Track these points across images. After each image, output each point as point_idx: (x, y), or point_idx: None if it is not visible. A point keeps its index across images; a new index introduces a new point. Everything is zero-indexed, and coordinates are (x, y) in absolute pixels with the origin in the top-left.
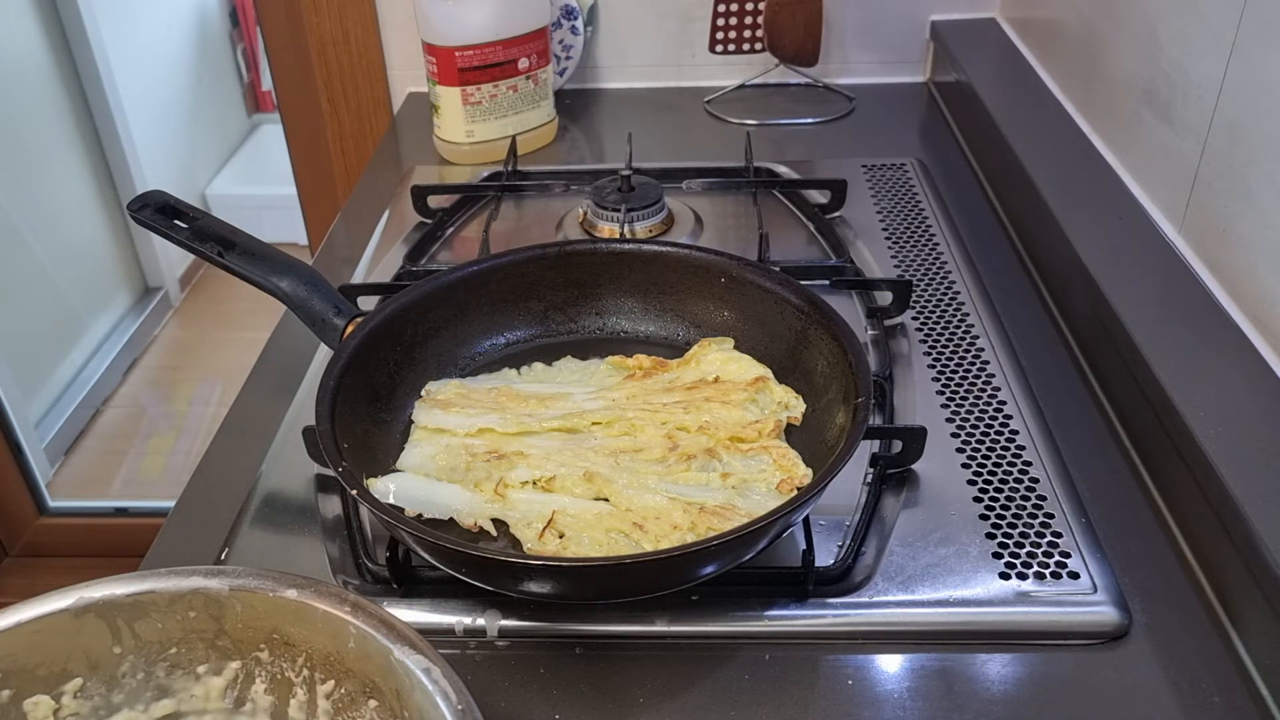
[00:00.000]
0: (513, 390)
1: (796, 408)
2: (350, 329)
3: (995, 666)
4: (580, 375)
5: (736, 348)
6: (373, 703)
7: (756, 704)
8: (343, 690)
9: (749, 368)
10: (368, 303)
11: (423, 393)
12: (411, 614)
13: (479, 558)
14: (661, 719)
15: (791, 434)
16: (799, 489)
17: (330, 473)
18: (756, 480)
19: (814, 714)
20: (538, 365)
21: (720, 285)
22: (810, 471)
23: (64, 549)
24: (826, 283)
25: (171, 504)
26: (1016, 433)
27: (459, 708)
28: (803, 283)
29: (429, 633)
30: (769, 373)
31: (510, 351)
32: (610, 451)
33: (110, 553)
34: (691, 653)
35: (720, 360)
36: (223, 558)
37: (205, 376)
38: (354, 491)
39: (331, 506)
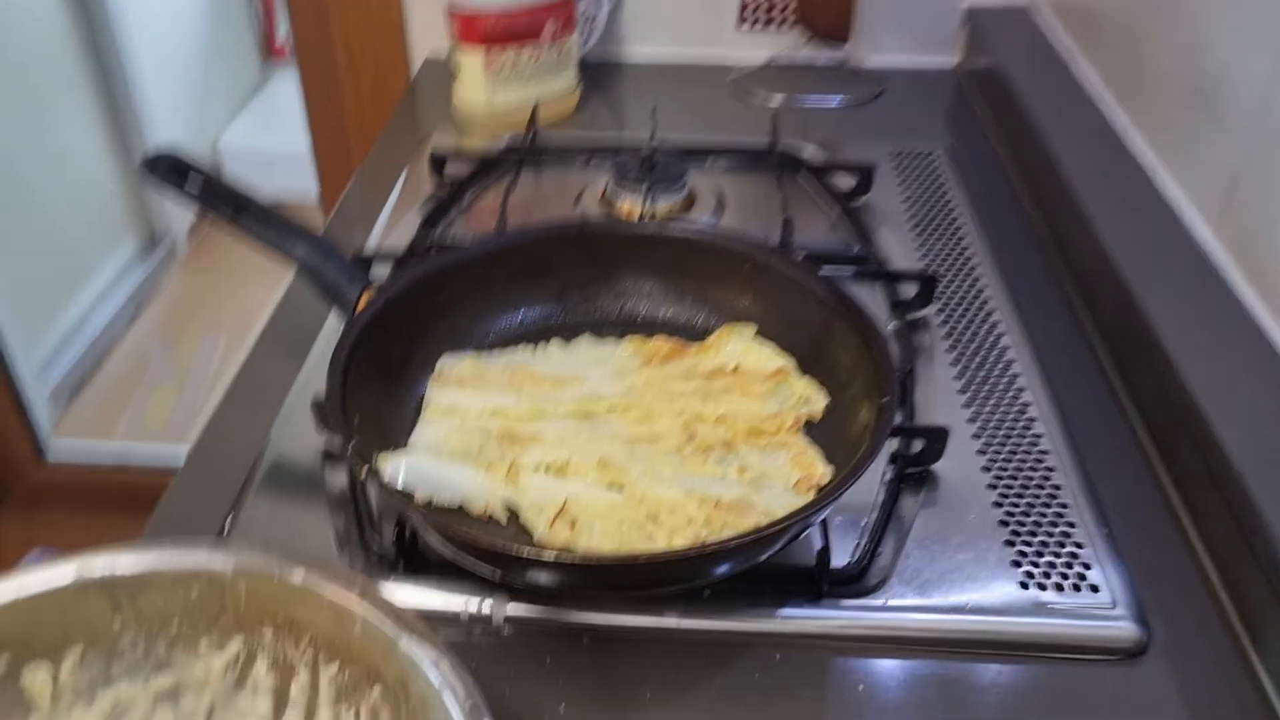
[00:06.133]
0: (528, 370)
1: (817, 402)
2: (364, 300)
3: (1010, 677)
4: (597, 357)
5: (758, 335)
6: (377, 688)
7: (765, 704)
8: (346, 674)
9: (770, 358)
10: (382, 271)
11: (437, 368)
12: (416, 595)
13: (491, 550)
14: (668, 715)
15: (811, 429)
16: (818, 488)
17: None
18: (774, 476)
19: (824, 719)
20: (554, 344)
21: (744, 272)
22: (829, 470)
23: (64, 498)
24: (850, 272)
25: (173, 459)
26: (1040, 436)
27: (467, 704)
28: (825, 269)
29: (433, 617)
30: (791, 364)
31: (527, 328)
32: (626, 439)
33: (111, 505)
34: (701, 649)
35: (741, 348)
36: (227, 526)
37: (210, 330)
38: (363, 475)
39: (339, 478)
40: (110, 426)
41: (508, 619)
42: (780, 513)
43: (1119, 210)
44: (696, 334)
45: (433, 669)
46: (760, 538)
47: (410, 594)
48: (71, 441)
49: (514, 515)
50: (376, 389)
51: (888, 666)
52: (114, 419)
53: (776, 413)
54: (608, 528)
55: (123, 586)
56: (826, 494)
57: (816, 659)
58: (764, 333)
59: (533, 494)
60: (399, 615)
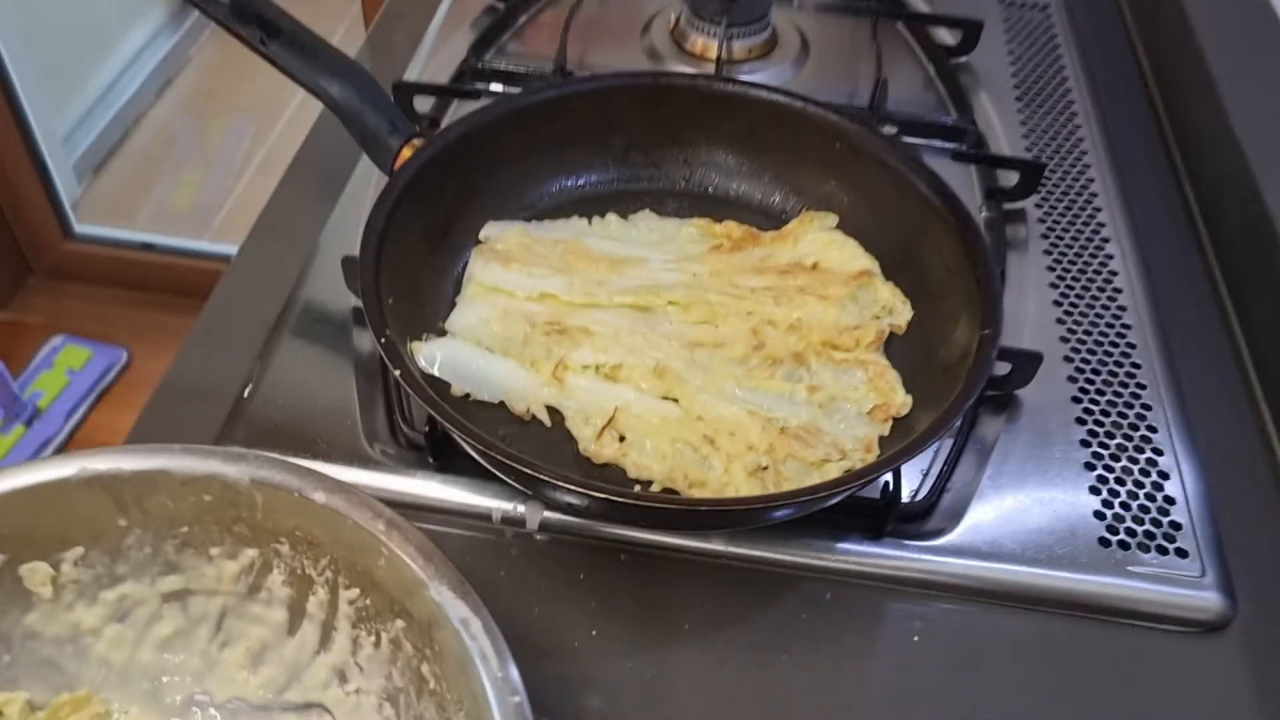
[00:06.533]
0: (582, 247)
1: (902, 314)
2: (406, 154)
3: (1077, 639)
4: (660, 236)
5: (841, 227)
6: (400, 623)
7: (811, 649)
8: (368, 601)
9: (853, 256)
10: (425, 104)
11: (481, 236)
12: (446, 491)
13: (532, 478)
14: (706, 650)
15: (891, 345)
16: (893, 420)
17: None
18: (846, 399)
19: (873, 668)
20: (612, 217)
21: (834, 151)
22: (908, 401)
23: (89, 276)
24: (944, 149)
25: (199, 244)
26: (1139, 367)
27: (498, 675)
28: (914, 142)
29: (463, 514)
30: (876, 266)
31: (583, 195)
32: (687, 342)
33: (136, 285)
34: (747, 578)
35: (821, 242)
36: (246, 394)
37: (240, 108)
38: (396, 372)
39: (367, 340)
40: (135, 205)
41: (543, 525)
42: (850, 447)
43: (1264, 109)
44: (772, 217)
45: (463, 628)
46: (827, 494)
47: (439, 490)
48: (96, 219)
49: (558, 420)
50: (415, 255)
51: (946, 616)
52: (139, 198)
53: (856, 325)
54: (660, 446)
55: (128, 486)
56: (910, 447)
57: (870, 600)
58: (848, 226)
59: (580, 398)
60: (429, 557)
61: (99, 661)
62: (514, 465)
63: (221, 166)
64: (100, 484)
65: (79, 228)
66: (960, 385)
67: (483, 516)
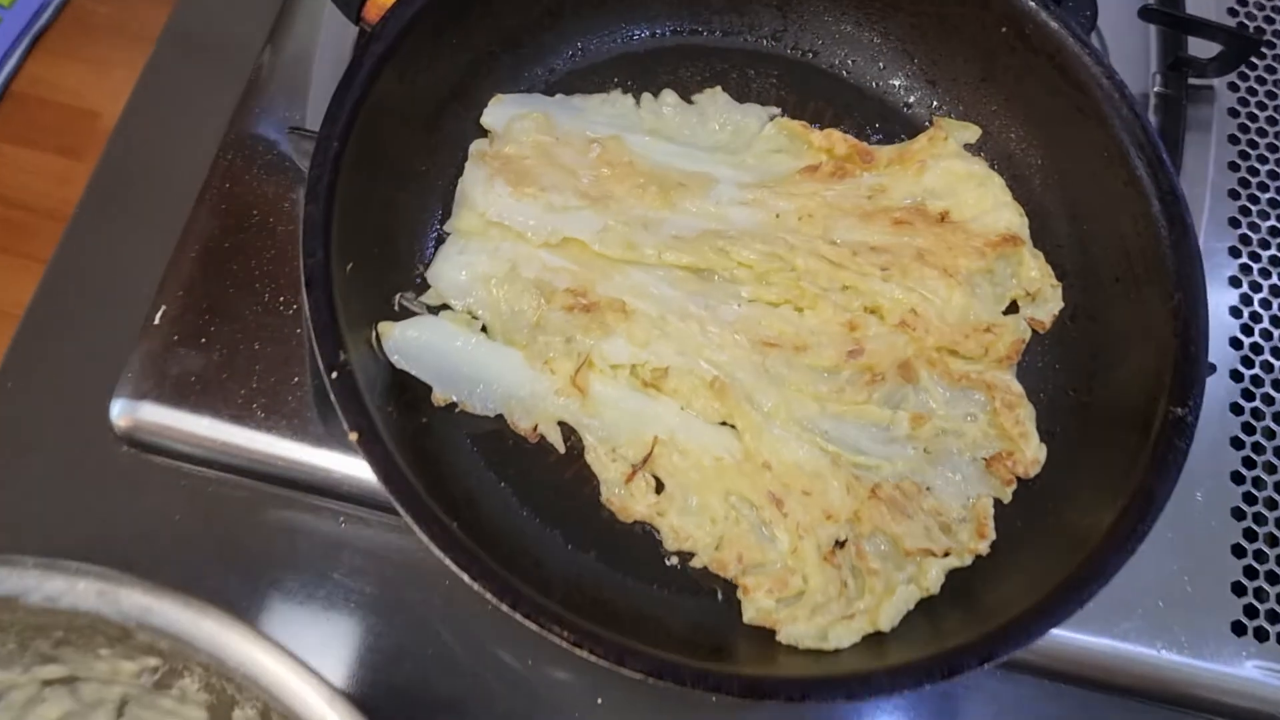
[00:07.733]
0: (625, 153)
1: (1048, 303)
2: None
3: None
4: (733, 135)
5: (982, 150)
6: None
7: None
8: None
9: (996, 204)
10: None
11: (484, 121)
12: None
13: (505, 595)
14: None
15: (1023, 358)
16: (1017, 481)
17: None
18: (960, 437)
19: None
20: (669, 97)
21: (997, 35)
22: (1042, 456)
23: None
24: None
25: None
26: None
27: None
28: None
29: None
30: (1025, 228)
31: (631, 51)
32: (757, 339)
33: None
34: None
35: (955, 175)
36: (158, 320)
37: None
38: (353, 436)
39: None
40: None
41: None
42: (957, 515)
43: None
44: (890, 111)
45: None
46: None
47: None
48: None
49: (575, 443)
50: (393, 164)
51: (1029, 704)
52: None
53: (988, 326)
54: (709, 504)
55: None
56: (1046, 612)
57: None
58: (992, 150)
59: (607, 416)
60: None
61: None
62: (486, 582)
63: None
64: None
65: None
66: (1132, 483)
67: None
